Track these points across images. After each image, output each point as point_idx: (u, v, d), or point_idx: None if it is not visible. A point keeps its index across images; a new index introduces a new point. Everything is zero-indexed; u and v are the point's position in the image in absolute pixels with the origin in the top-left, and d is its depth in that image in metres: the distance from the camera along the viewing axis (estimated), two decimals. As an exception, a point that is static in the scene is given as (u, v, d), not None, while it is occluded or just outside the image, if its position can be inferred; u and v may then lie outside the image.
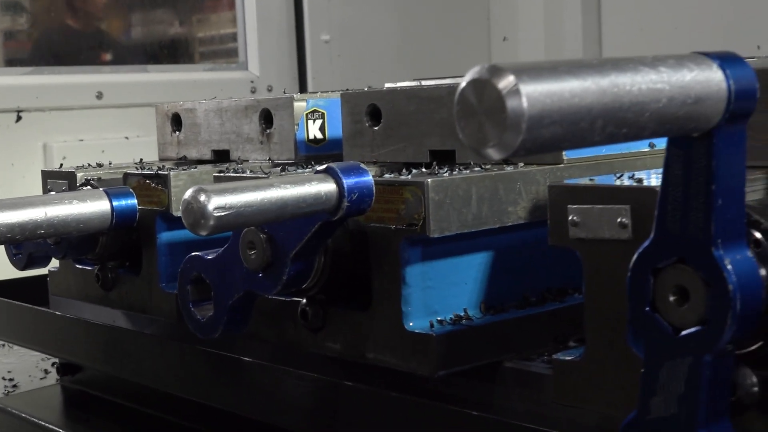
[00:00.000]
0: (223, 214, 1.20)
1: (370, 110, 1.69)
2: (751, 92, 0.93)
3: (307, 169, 1.69)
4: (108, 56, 4.52)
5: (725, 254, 0.94)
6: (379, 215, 1.36)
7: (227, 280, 1.45)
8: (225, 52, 4.83)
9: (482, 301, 1.43)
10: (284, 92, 4.62)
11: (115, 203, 1.69)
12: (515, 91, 0.75)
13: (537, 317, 1.44)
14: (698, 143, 0.93)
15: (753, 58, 2.05)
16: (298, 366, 1.51)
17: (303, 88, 4.79)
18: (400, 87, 1.73)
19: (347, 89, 1.92)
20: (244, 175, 1.58)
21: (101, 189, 1.71)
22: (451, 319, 1.39)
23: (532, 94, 0.76)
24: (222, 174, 1.62)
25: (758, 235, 1.00)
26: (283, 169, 1.64)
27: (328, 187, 1.29)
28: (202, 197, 1.20)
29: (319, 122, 1.88)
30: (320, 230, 1.34)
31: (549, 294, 1.48)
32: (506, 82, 0.75)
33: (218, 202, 1.20)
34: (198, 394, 1.67)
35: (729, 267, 0.94)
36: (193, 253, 1.51)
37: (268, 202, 1.24)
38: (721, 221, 0.94)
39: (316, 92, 2.03)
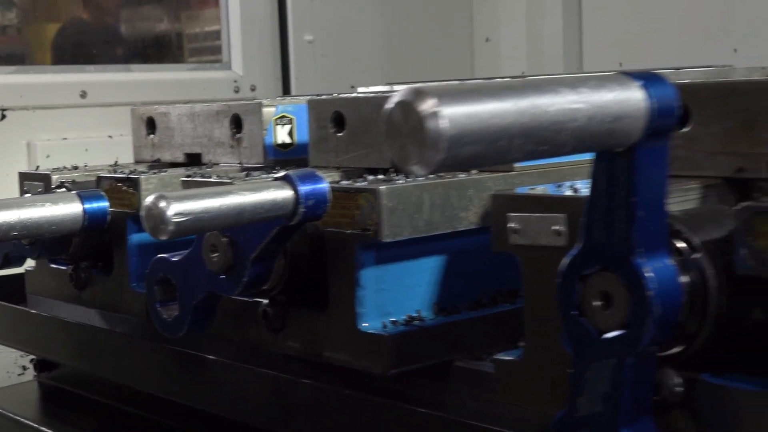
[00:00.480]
0: (182, 219, 1.26)
1: (334, 117, 1.75)
2: (671, 110, 0.99)
3: (272, 174, 1.75)
4: (94, 53, 4.58)
5: (646, 263, 1.00)
6: (335, 220, 1.42)
7: (191, 282, 1.51)
8: (212, 49, 4.88)
9: (435, 303, 1.49)
10: (254, 97, 4.68)
11: (86, 206, 1.74)
12: (435, 114, 0.81)
13: (489, 318, 1.50)
14: (621, 158, 0.99)
15: (710, 67, 2.11)
16: (260, 364, 1.56)
17: (286, 88, 4.84)
18: (364, 94, 1.78)
19: (315, 95, 1.98)
20: (210, 180, 1.63)
21: (74, 192, 1.76)
22: (404, 320, 1.44)
23: (452, 116, 0.81)
24: (189, 178, 1.68)
25: (680, 244, 1.06)
26: (247, 174, 1.70)
27: (285, 193, 1.35)
28: (162, 203, 1.25)
29: (287, 127, 1.93)
30: (278, 235, 1.40)
31: (500, 296, 1.54)
32: (428, 104, 0.81)
33: (178, 208, 1.26)
34: (165, 391, 1.73)
35: (649, 275, 1.00)
36: (160, 255, 1.56)
37: (226, 208, 1.30)
38: (643, 231, 1.00)
39: (286, 98, 2.08)
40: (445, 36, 5.46)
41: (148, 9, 4.91)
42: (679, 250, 1.06)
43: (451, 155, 0.82)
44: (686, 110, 1.33)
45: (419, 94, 0.82)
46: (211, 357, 1.60)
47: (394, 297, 1.45)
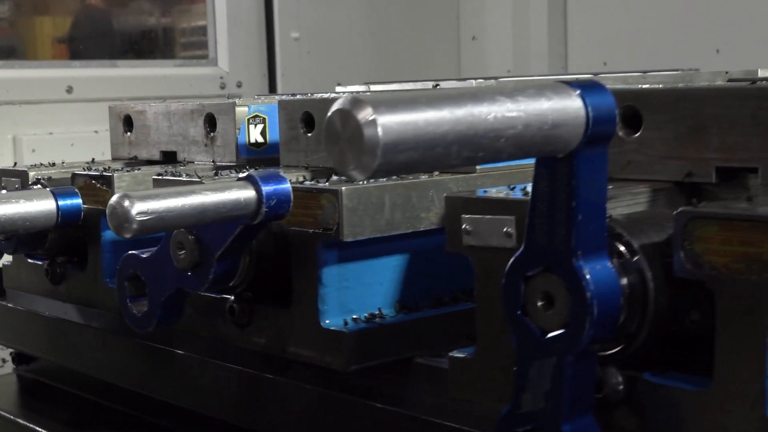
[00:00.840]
0: (145, 218, 1.30)
1: (304, 117, 1.79)
2: (609, 118, 1.02)
3: (241, 173, 1.79)
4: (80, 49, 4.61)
5: (585, 265, 1.04)
6: (298, 219, 1.46)
7: (160, 278, 1.54)
8: (201, 45, 4.91)
9: (397, 301, 1.53)
10: (229, 98, 4.71)
11: (60, 203, 1.78)
12: (372, 122, 0.84)
13: (449, 316, 1.54)
14: (561, 164, 1.03)
15: (676, 71, 2.15)
16: (228, 359, 1.60)
17: (272, 84, 4.88)
18: (332, 96, 1.82)
19: (290, 94, 2.02)
20: (180, 178, 1.67)
21: (48, 189, 1.80)
22: (365, 317, 1.48)
23: (388, 124, 0.85)
24: (160, 177, 1.71)
25: (621, 247, 1.10)
26: (216, 173, 1.73)
27: (248, 193, 1.38)
28: (126, 202, 1.29)
29: (260, 127, 1.97)
30: (242, 233, 1.43)
31: (462, 294, 1.58)
32: (365, 113, 0.85)
33: (141, 208, 1.30)
34: (136, 385, 1.77)
35: (588, 276, 1.03)
36: (130, 252, 1.60)
37: (189, 208, 1.34)
38: (582, 235, 1.04)
39: (260, 97, 2.12)
40: (431, 34, 5.49)
41: (139, 4, 4.95)
42: (619, 253, 1.09)
43: (387, 161, 0.86)
44: (638, 115, 1.37)
45: (357, 103, 0.86)
46: (179, 351, 1.64)
47: (356, 295, 1.48)
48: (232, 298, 1.58)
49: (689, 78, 2.04)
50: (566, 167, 1.03)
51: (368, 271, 1.49)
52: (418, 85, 2.45)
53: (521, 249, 1.08)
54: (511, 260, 1.09)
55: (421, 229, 1.50)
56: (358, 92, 2.13)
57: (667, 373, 1.13)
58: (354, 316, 1.48)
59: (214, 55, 4.74)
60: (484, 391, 1.27)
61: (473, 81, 2.39)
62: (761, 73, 1.96)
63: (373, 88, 2.51)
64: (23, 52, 4.54)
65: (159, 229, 1.34)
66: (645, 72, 2.16)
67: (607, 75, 2.18)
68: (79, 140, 4.17)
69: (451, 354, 1.30)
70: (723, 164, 1.30)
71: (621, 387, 1.12)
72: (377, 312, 1.49)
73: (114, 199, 1.30)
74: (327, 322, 1.45)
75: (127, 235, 1.30)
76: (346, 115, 0.86)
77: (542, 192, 1.05)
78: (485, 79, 2.59)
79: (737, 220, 1.03)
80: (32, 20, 4.62)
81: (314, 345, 1.47)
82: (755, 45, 4.56)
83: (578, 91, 1.01)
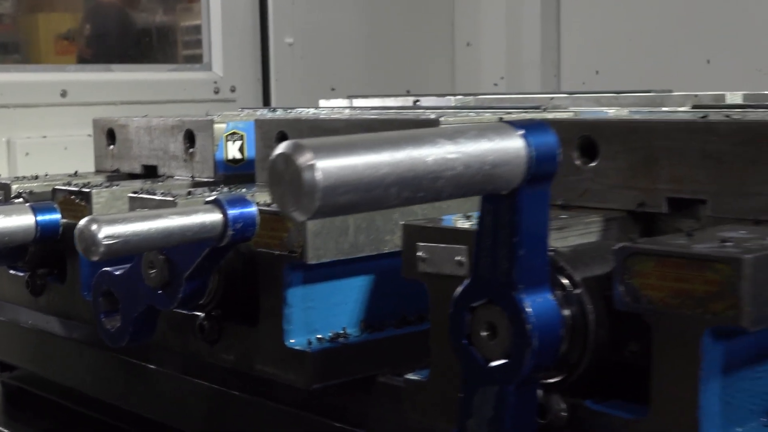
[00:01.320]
0: (112, 242, 1.34)
1: (279, 136, 1.83)
2: (551, 157, 1.06)
3: (222, 189, 1.83)
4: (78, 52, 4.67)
5: (527, 297, 1.08)
6: (265, 241, 1.50)
7: (132, 295, 1.58)
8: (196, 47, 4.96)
9: (362, 321, 1.57)
10: (234, 98, 4.75)
11: (39, 218, 1.82)
12: (311, 167, 0.88)
13: (414, 336, 1.58)
14: (504, 200, 1.07)
15: (649, 92, 2.19)
16: (203, 375, 1.65)
17: (266, 89, 4.92)
18: (304, 116, 1.86)
19: (271, 109, 2.06)
20: (153, 197, 1.71)
21: (27, 204, 1.84)
22: (329, 336, 1.52)
23: (327, 168, 0.89)
24: (135, 195, 1.75)
25: (563, 280, 1.14)
26: (190, 191, 1.77)
27: (214, 217, 1.43)
28: (94, 227, 1.33)
29: (238, 143, 2.01)
30: (210, 255, 1.47)
31: (427, 314, 1.61)
32: (304, 158, 0.89)
33: (108, 232, 1.34)
34: (111, 396, 1.81)
35: (529, 309, 1.07)
36: (104, 269, 1.64)
37: (155, 231, 1.38)
38: (524, 268, 1.08)
39: (240, 113, 2.16)
40: (426, 40, 5.53)
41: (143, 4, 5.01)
42: (561, 286, 1.13)
43: (326, 204, 0.90)
44: (595, 145, 1.41)
45: (298, 148, 0.90)
46: (151, 366, 1.68)
47: (321, 315, 1.53)
48: (202, 315, 1.62)
49: (659, 100, 2.08)
50: (509, 204, 1.07)
51: (333, 292, 1.53)
52: (399, 101, 2.49)
53: (467, 280, 1.12)
54: (458, 291, 1.13)
55: (386, 251, 1.54)
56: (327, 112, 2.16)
57: (608, 401, 1.16)
58: (318, 336, 1.52)
59: (208, 60, 4.78)
60: (438, 413, 1.31)
61: (452, 98, 2.44)
62: (729, 98, 2.00)
63: (356, 102, 2.55)
64: (24, 50, 4.60)
65: (126, 252, 1.39)
66: (618, 93, 2.20)
67: (581, 95, 2.22)
68: (72, 144, 4.21)
69: (406, 376, 1.34)
70: (673, 195, 1.34)
71: (564, 414, 1.16)
72: (342, 331, 1.53)
73: (82, 223, 1.34)
74: (291, 341, 1.49)
75: (95, 258, 1.34)
76: (288, 159, 0.90)
77: (487, 227, 1.09)
78: (474, 95, 2.63)
79: (673, 256, 1.07)
80: (33, 18, 4.67)
81: (279, 363, 1.51)
82: (744, 55, 4.60)
83: (521, 132, 1.05)
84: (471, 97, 2.49)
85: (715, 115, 1.41)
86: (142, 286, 1.56)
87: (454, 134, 1.00)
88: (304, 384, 1.48)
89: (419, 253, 1.29)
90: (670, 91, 2.22)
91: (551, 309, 1.10)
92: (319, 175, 0.88)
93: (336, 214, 0.93)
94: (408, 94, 5.13)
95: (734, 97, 2.01)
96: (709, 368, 1.06)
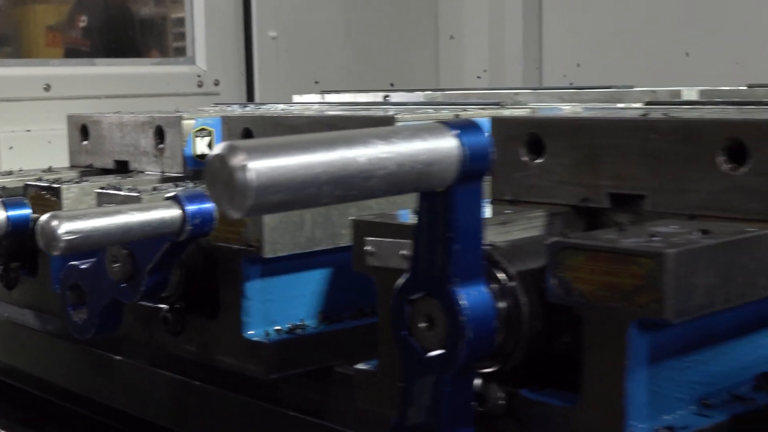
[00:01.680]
0: (72, 237, 1.38)
1: (243, 133, 1.87)
2: (483, 155, 1.10)
3: (188, 185, 1.88)
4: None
5: (461, 290, 1.12)
6: (224, 236, 1.55)
7: (97, 288, 1.63)
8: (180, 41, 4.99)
9: (320, 312, 1.62)
10: (217, 92, 4.78)
11: (9, 213, 1.87)
12: (244, 167, 0.93)
13: (371, 327, 1.62)
14: (439, 198, 1.11)
15: (609, 88, 2.24)
16: (165, 366, 1.69)
17: (250, 83, 4.95)
18: (269, 114, 1.90)
19: (238, 104, 2.10)
20: (119, 193, 1.75)
21: (-1, 199, 1.89)
22: (288, 328, 1.57)
23: (260, 169, 0.93)
24: (102, 191, 1.80)
25: (499, 274, 1.18)
26: (155, 188, 1.82)
27: (173, 213, 1.47)
28: (54, 222, 1.38)
29: (207, 139, 2.05)
30: (170, 249, 1.52)
31: (383, 306, 1.66)
32: (238, 159, 0.93)
33: (68, 227, 1.38)
34: (80, 387, 1.85)
35: (463, 302, 1.12)
36: (71, 263, 1.68)
37: (114, 227, 1.42)
38: (459, 263, 1.12)
39: (210, 110, 2.20)
40: (410, 33, 5.57)
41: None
42: (497, 279, 1.18)
43: (259, 203, 0.94)
44: (541, 142, 1.46)
45: (232, 149, 0.94)
46: (117, 357, 1.72)
47: (279, 307, 1.57)
48: (166, 308, 1.66)
49: (618, 96, 2.13)
50: (443, 201, 1.11)
51: (291, 285, 1.58)
52: (370, 96, 2.54)
53: (407, 274, 1.17)
54: (397, 284, 1.17)
55: (342, 245, 1.58)
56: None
57: (543, 390, 1.21)
58: (276, 327, 1.56)
59: (191, 54, 4.82)
60: (387, 402, 1.35)
61: (420, 93, 2.48)
62: (685, 94, 2.05)
63: (328, 97, 2.59)
64: (14, 42, 4.64)
65: (87, 247, 1.43)
66: (580, 88, 2.24)
67: (546, 91, 2.26)
68: (56, 138, 4.22)
69: (356, 367, 1.39)
70: (615, 191, 1.39)
71: (502, 402, 1.21)
72: (300, 323, 1.58)
73: (43, 219, 1.38)
74: (249, 333, 1.54)
75: (55, 253, 1.39)
76: (222, 160, 0.94)
77: (424, 223, 1.14)
78: (447, 90, 2.67)
79: (601, 251, 1.11)
80: (25, 9, 4.71)
81: (238, 354, 1.55)
82: (722, 48, 4.64)
83: (454, 132, 1.09)
84: (440, 92, 2.53)
85: (655, 114, 1.45)
86: (106, 280, 1.61)
87: (389, 134, 1.04)
88: (262, 374, 1.52)
89: (367, 248, 1.34)
90: (632, 87, 2.26)
91: (486, 301, 1.14)
92: (251, 175, 0.93)
93: (270, 212, 0.98)
94: (392, 86, 5.18)
95: (690, 93, 2.05)
96: (635, 359, 1.11)
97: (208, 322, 1.61)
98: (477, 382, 1.21)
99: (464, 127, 1.11)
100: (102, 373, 1.78)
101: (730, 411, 1.19)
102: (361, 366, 1.39)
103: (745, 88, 2.14)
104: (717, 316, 1.18)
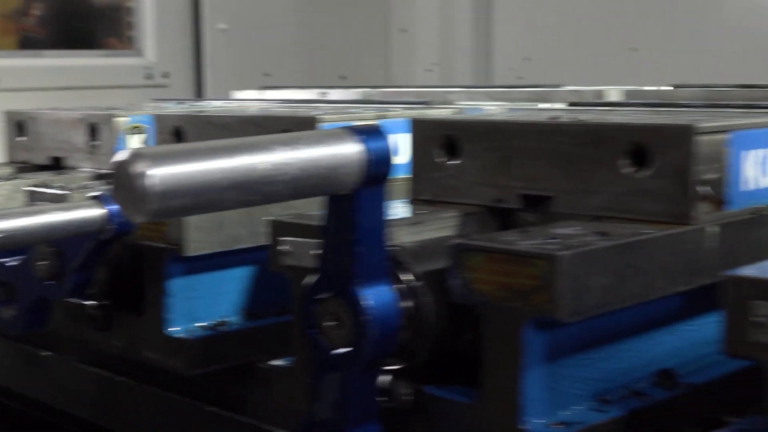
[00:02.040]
0: (-5, 236, 1.41)
1: (175, 131, 1.90)
2: (385, 160, 1.14)
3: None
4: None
5: (366, 291, 1.16)
6: (148, 234, 1.57)
7: (25, 285, 1.65)
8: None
9: (245, 309, 1.65)
10: (166, 84, 4.79)
11: (-61, 209, 1.88)
12: (142, 174, 0.96)
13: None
14: (344, 201, 1.15)
15: (538, 87, 2.28)
16: (94, 362, 1.72)
17: (199, 75, 4.97)
18: (200, 112, 1.93)
19: (175, 100, 2.12)
20: (48, 192, 1.77)
21: (-73, 196, 1.90)
22: (211, 324, 1.60)
23: (161, 176, 0.96)
24: (31, 189, 1.82)
25: (404, 274, 1.22)
26: (84, 186, 1.84)
27: (96, 212, 1.49)
28: (-25, 222, 1.40)
29: (140, 136, 2.08)
30: (95, 248, 1.54)
31: (307, 303, 1.69)
32: (139, 166, 0.96)
33: (-10, 226, 1.40)
34: (12, 382, 1.88)
35: (368, 302, 1.16)
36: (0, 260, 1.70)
37: (37, 226, 1.44)
38: (364, 264, 1.16)
39: (146, 106, 2.22)
40: (361, 25, 5.60)
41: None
42: (402, 279, 1.22)
43: (161, 207, 0.97)
44: (458, 144, 1.50)
45: (134, 156, 0.97)
46: (45, 353, 1.75)
47: (203, 304, 1.60)
48: (93, 305, 1.69)
49: (545, 96, 2.17)
50: (348, 204, 1.15)
51: (214, 282, 1.61)
52: (308, 93, 2.57)
53: (315, 274, 1.21)
54: (305, 284, 1.21)
55: (265, 243, 1.61)
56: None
57: (449, 387, 1.25)
58: (200, 324, 1.59)
59: (140, 46, 4.82)
60: (301, 397, 1.39)
61: (360, 90, 2.51)
62: (609, 94, 2.10)
63: (267, 94, 2.62)
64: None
65: (11, 246, 1.45)
66: (510, 87, 2.29)
67: (477, 90, 2.30)
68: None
69: (272, 363, 1.42)
70: (526, 192, 1.43)
71: (408, 398, 1.25)
72: (223, 320, 1.61)
73: (-36, 218, 1.40)
74: (173, 329, 1.57)
75: (-23, 251, 1.41)
76: (126, 166, 0.97)
77: (331, 225, 1.18)
78: (387, 87, 2.70)
79: (500, 253, 1.15)
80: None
81: (162, 350, 1.59)
82: (668, 44, 4.71)
83: (359, 137, 1.13)
84: (378, 89, 2.57)
85: (566, 117, 1.49)
86: (33, 277, 1.63)
87: (293, 140, 1.08)
88: (184, 370, 1.56)
89: (282, 247, 1.37)
90: (559, 86, 2.31)
91: (390, 301, 1.18)
92: (150, 181, 0.96)
93: (173, 216, 1.01)
94: (343, 79, 5.21)
95: (615, 93, 2.10)
96: (531, 357, 1.15)
97: (134, 319, 1.64)
98: (385, 378, 1.25)
99: (368, 133, 1.14)
100: (30, 369, 1.80)
101: (628, 406, 1.23)
102: (277, 362, 1.43)
103: (671, 88, 2.20)
104: (616, 315, 1.23)
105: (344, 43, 5.49)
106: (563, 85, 2.32)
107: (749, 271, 1.00)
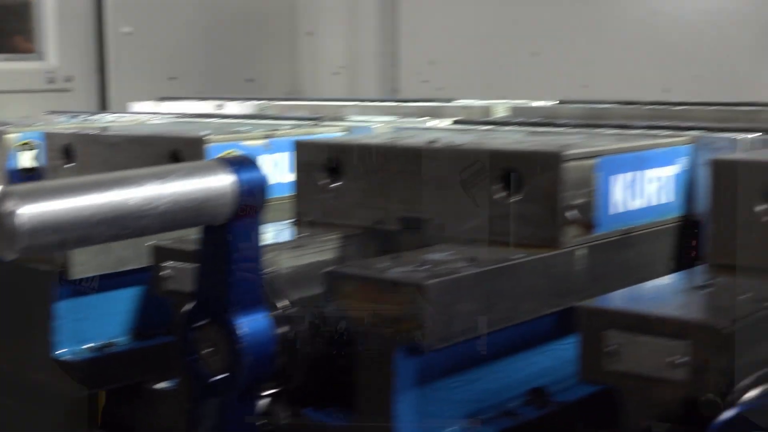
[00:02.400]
0: None
1: (64, 149, 1.90)
2: (259, 191, 1.17)
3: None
4: None
5: (241, 318, 1.19)
6: (34, 258, 1.58)
7: None
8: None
9: (134, 329, 1.66)
10: (70, 88, 4.74)
11: None
12: (12, 213, 0.97)
13: (183, 342, 1.68)
14: (218, 231, 1.18)
15: (476, 100, 2.31)
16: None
17: (103, 79, 4.93)
18: (89, 131, 1.94)
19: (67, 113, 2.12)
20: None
21: None
22: (99, 346, 1.61)
23: (29, 214, 0.98)
24: None
25: (280, 301, 1.25)
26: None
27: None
28: None
29: (31, 152, 2.07)
30: (-21, 271, 1.55)
31: (196, 322, 1.71)
32: (9, 204, 0.98)
33: None
34: None
35: (242, 329, 1.19)
36: None
37: None
38: (238, 292, 1.19)
39: (39, 120, 2.22)
40: (267, 28, 5.61)
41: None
42: (277, 306, 1.25)
43: (30, 245, 0.99)
44: (339, 167, 1.53)
45: (4, 195, 0.99)
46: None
47: (91, 325, 1.62)
48: (-21, 326, 1.69)
49: (434, 111, 2.21)
50: (222, 234, 1.17)
51: (102, 304, 1.62)
52: (204, 104, 2.58)
53: (192, 302, 1.23)
54: (183, 311, 1.23)
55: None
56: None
57: (326, 409, 1.29)
58: (87, 346, 1.61)
59: (42, 50, 4.77)
60: (181, 420, 1.41)
61: (256, 103, 2.53)
62: (497, 110, 2.15)
63: (164, 106, 2.63)
64: None
65: None
66: (405, 101, 2.33)
67: (372, 103, 2.34)
68: None
69: (155, 386, 1.44)
70: (404, 215, 1.47)
71: (286, 421, 1.28)
72: (111, 341, 1.62)
73: None
74: (59, 351, 1.58)
75: None
76: (-7, 205, 0.99)
77: (206, 254, 1.20)
78: (280, 100, 2.72)
79: (371, 280, 1.19)
80: None
81: (49, 372, 1.59)
82: (567, 47, 4.80)
83: (231, 168, 1.16)
84: (274, 102, 2.59)
85: (445, 140, 1.53)
86: None
87: (165, 174, 1.10)
88: (71, 391, 1.57)
89: (164, 272, 1.39)
90: (450, 100, 2.35)
91: (264, 328, 1.21)
92: (20, 220, 0.98)
93: (45, 253, 1.02)
94: (250, 81, 5.21)
95: (501, 110, 2.15)
96: (403, 381, 1.19)
97: (22, 341, 1.64)
98: (265, 401, 1.28)
99: (241, 164, 1.17)
100: None
101: (499, 426, 1.28)
102: (162, 384, 1.45)
103: (556, 103, 2.25)
104: (487, 337, 1.27)
105: (251, 46, 5.49)
106: (454, 99, 2.36)
107: (601, 302, 1.05)
